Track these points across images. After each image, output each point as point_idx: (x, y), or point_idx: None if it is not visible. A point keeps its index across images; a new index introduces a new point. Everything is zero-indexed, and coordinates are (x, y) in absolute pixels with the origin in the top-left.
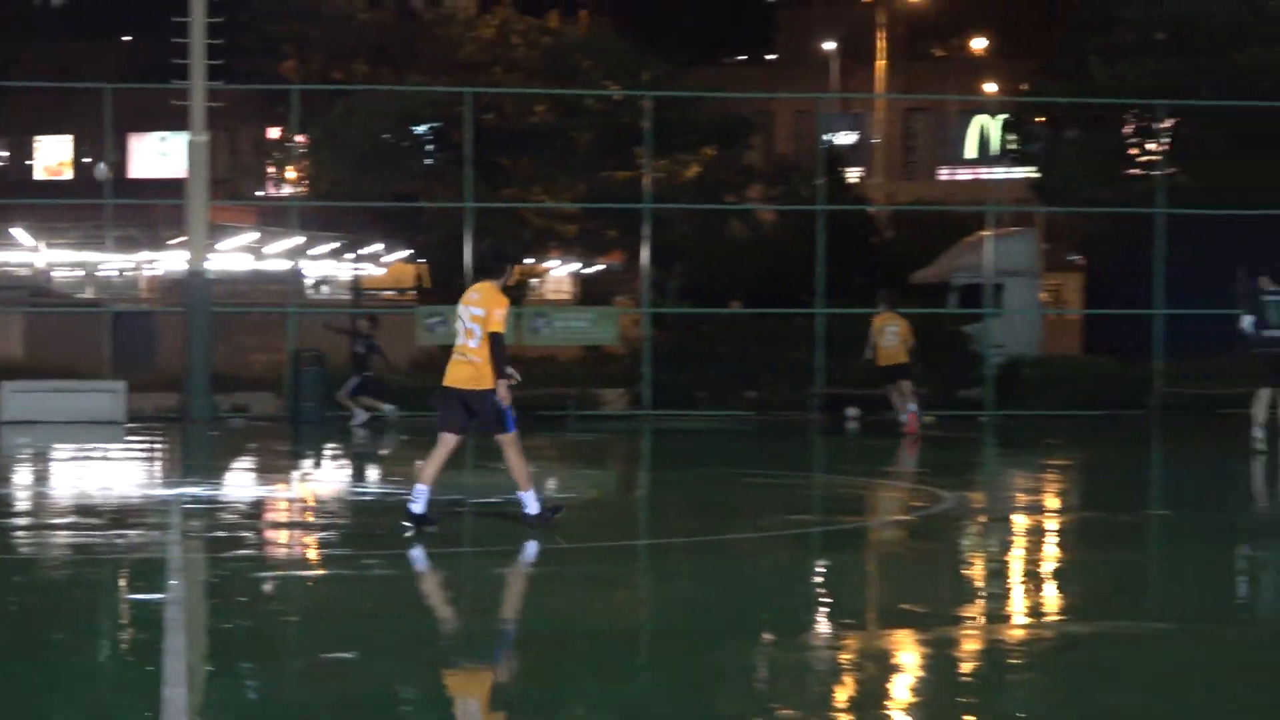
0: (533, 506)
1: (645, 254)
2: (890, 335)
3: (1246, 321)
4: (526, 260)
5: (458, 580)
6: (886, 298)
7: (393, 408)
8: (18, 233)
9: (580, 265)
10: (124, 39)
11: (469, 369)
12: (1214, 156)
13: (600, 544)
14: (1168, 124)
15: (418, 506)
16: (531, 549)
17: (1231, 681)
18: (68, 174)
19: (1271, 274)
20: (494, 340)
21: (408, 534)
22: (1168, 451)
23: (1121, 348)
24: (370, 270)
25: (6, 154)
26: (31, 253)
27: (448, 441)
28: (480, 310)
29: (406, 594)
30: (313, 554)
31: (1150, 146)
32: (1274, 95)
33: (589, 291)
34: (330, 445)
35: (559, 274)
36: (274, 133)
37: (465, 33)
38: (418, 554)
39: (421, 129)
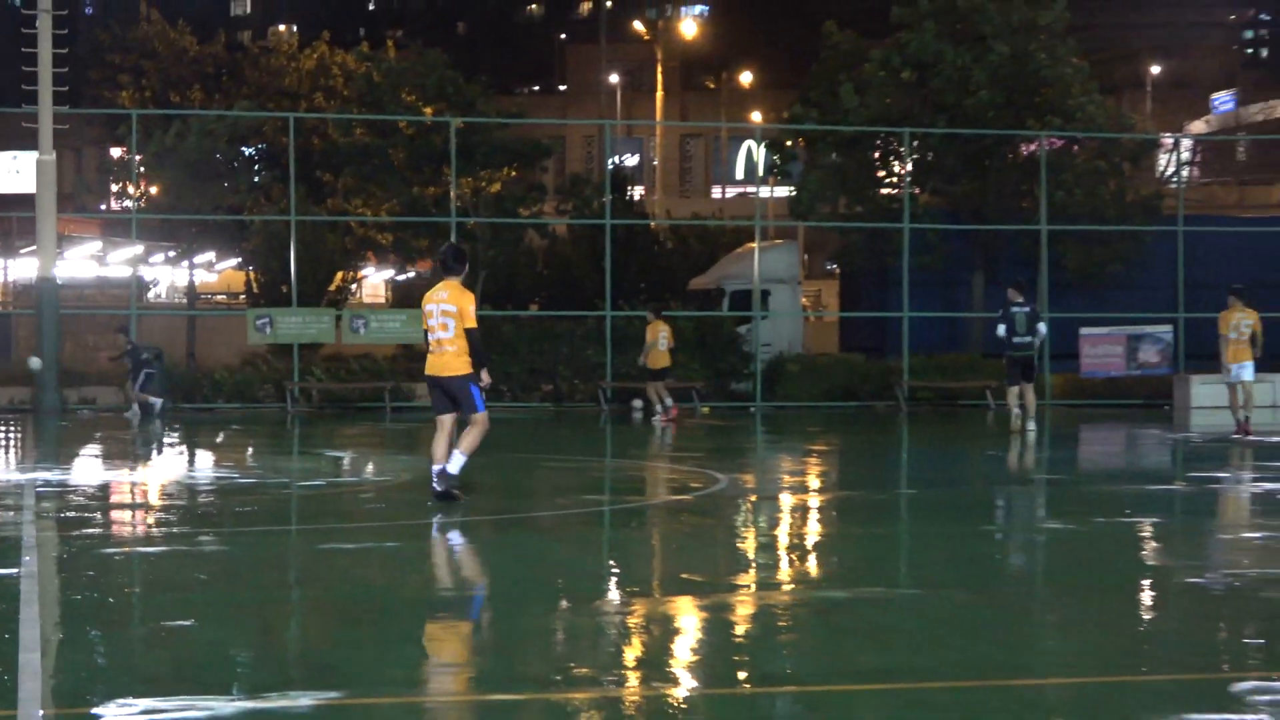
0: (443, 484)
1: None
2: (663, 340)
3: (1000, 330)
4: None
5: (284, 557)
6: (655, 309)
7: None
8: None
9: (394, 272)
10: None
11: (444, 359)
12: (949, 178)
13: (416, 522)
14: (913, 145)
15: (440, 485)
16: (348, 528)
17: (974, 638)
18: None
19: (1016, 287)
20: (470, 334)
21: (435, 505)
22: (913, 437)
23: (872, 346)
24: (204, 276)
25: None
26: None
27: (444, 423)
28: (452, 306)
29: (236, 568)
30: (154, 531)
31: (896, 168)
32: (995, 126)
33: (402, 296)
34: (170, 434)
35: (375, 280)
36: (116, 152)
37: (288, 64)
38: (251, 532)
39: (249, 150)
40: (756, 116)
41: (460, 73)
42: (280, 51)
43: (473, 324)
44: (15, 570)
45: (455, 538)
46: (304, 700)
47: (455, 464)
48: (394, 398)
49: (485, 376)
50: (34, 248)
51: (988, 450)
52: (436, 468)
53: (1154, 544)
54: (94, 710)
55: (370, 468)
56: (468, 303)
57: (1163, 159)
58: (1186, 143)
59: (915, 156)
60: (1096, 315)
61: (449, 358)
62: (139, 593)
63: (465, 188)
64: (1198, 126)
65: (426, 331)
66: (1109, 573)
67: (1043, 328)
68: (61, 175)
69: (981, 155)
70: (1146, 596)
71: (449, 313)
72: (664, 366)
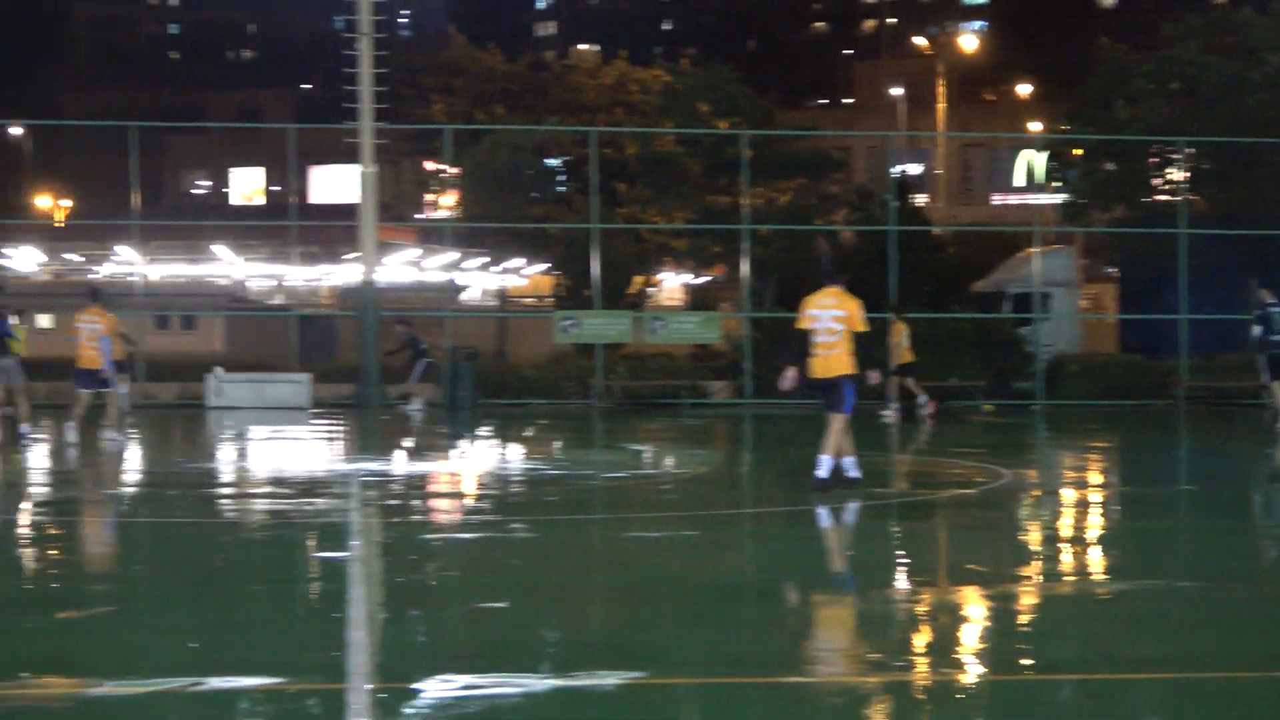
0: (824, 470)
1: (745, 267)
2: (905, 339)
3: (1256, 330)
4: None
5: (589, 544)
6: (897, 311)
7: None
8: (219, 249)
9: (690, 276)
10: (304, 86)
11: (831, 360)
12: (1224, 185)
13: (713, 512)
14: (1188, 153)
15: (822, 471)
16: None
17: (1247, 631)
18: (259, 200)
19: (1268, 288)
20: (860, 338)
21: (822, 495)
22: (1191, 435)
23: (1150, 346)
24: (513, 281)
25: (209, 183)
26: (230, 266)
27: (836, 420)
28: (843, 312)
29: (545, 553)
30: (468, 518)
31: (1172, 175)
32: (1271, 133)
33: (697, 298)
34: (482, 428)
35: (671, 284)
36: (430, 165)
37: (589, 80)
38: (559, 520)
39: (554, 162)
40: (1035, 126)
41: (750, 88)
42: (580, 69)
43: (863, 328)
44: (344, 554)
45: (748, 527)
46: (610, 679)
47: (824, 467)
48: (690, 395)
49: (875, 375)
50: (357, 254)
51: (1265, 449)
52: (824, 457)
53: None
54: (416, 685)
55: (669, 461)
56: (856, 307)
57: None
58: None
59: (1189, 165)
60: None
61: (835, 359)
62: (456, 576)
63: (758, 197)
64: None
65: (808, 334)
66: None
67: None
68: (381, 187)
69: (1255, 161)
70: None
71: (839, 318)
72: (909, 362)
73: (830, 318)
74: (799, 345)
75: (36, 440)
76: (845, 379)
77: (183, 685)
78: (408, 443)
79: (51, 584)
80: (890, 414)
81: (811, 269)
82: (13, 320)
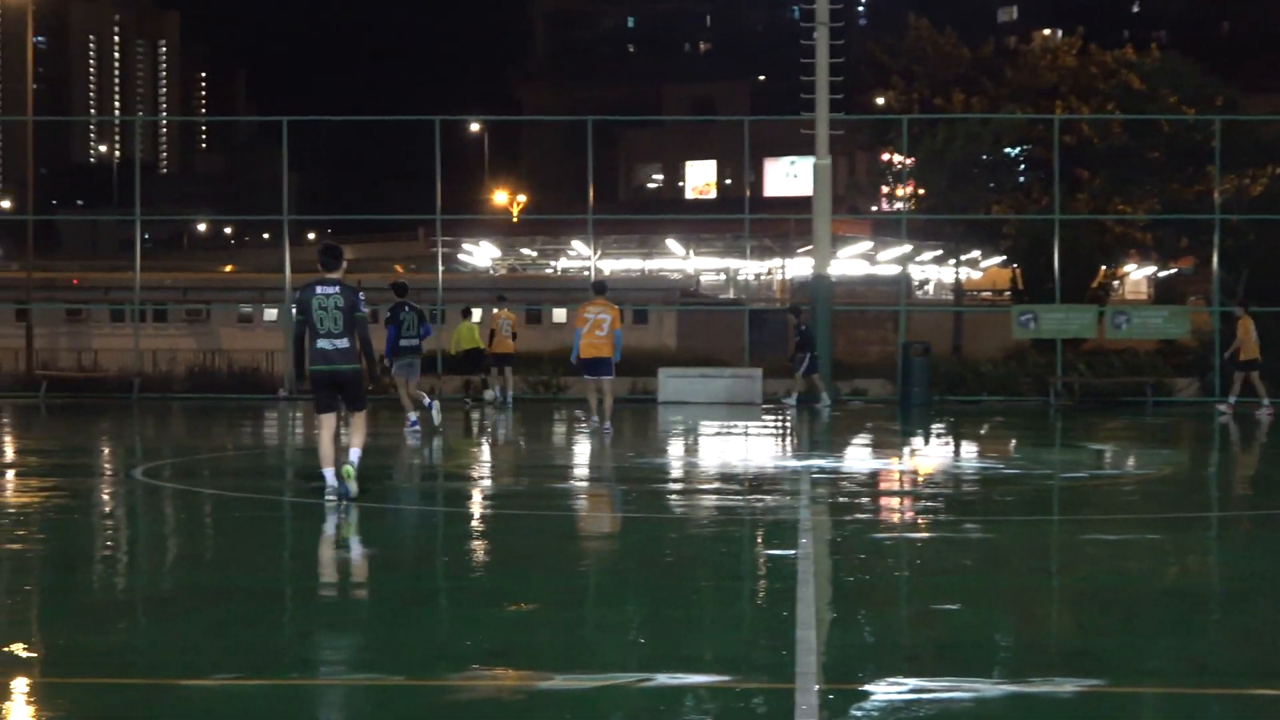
0: None
1: (1215, 259)
2: (1253, 333)
3: None
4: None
5: (1045, 546)
6: (1243, 305)
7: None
8: (671, 243)
9: (1155, 269)
10: (759, 78)
11: None
12: None
13: (1178, 515)
14: None
15: None
16: (1135, 521)
17: None
18: (711, 194)
19: None
20: None
21: None
22: None
23: None
24: (969, 274)
25: (660, 177)
26: (682, 260)
27: None
28: None
29: (999, 554)
30: (920, 518)
31: None
32: None
33: (1161, 292)
34: (935, 424)
35: (1136, 276)
36: (886, 156)
37: (1049, 61)
38: (1014, 520)
39: (1012, 150)
40: None
41: (1217, 75)
42: (1037, 51)
43: None
44: (793, 551)
45: (1215, 531)
46: (1067, 686)
47: None
48: (1155, 392)
49: None
50: (809, 247)
51: None
52: None
53: None
54: (864, 687)
55: (1131, 461)
56: None
57: None
58: None
59: None
60: None
61: None
62: (906, 576)
63: (1228, 185)
64: None
65: None
66: None
67: None
68: (836, 178)
69: None
70: None
71: None
72: (1253, 358)
73: None
74: None
75: (420, 430)
76: None
77: (631, 680)
78: (860, 439)
79: (503, 575)
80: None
81: None
82: (495, 311)
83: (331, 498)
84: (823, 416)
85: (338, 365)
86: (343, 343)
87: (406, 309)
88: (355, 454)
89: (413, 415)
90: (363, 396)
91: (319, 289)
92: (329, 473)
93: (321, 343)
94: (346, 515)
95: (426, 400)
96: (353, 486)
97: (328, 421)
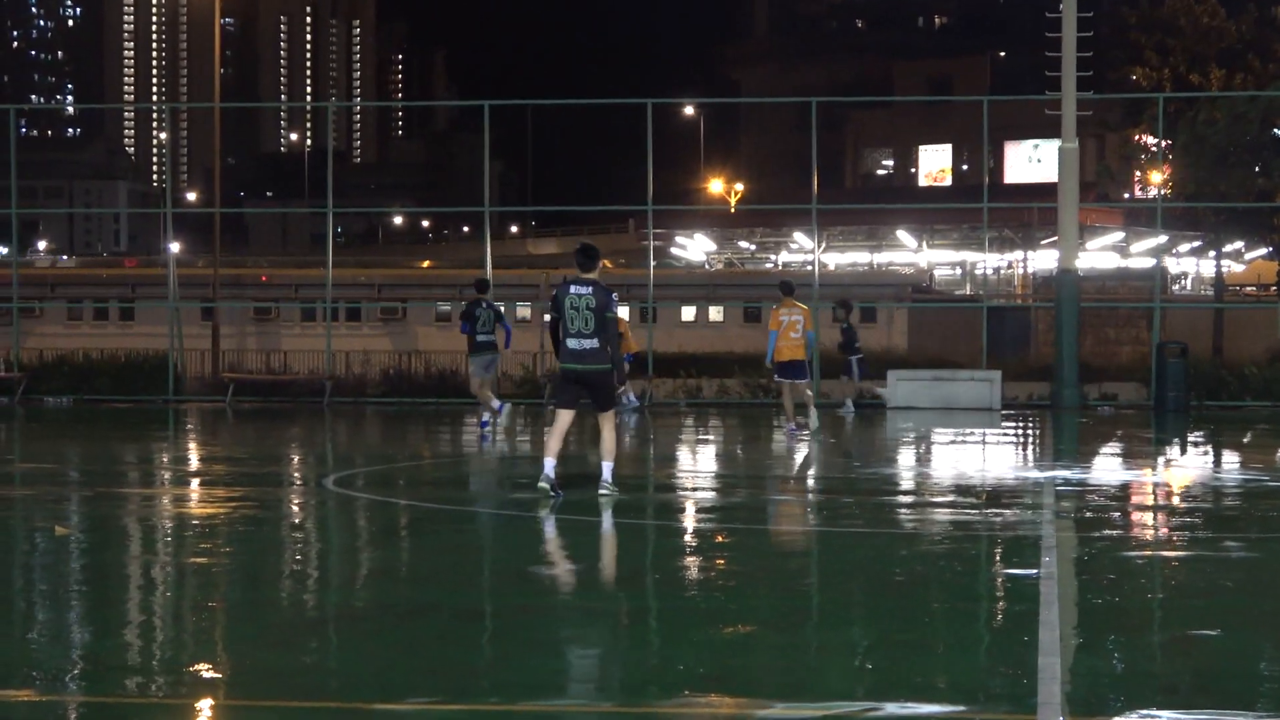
0: None
1: None
2: None
3: None
4: None
5: None
6: None
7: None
8: (902, 234)
9: None
10: (997, 54)
11: None
12: None
13: None
14: None
15: None
16: None
17: None
18: (947, 180)
19: None
20: None
21: None
22: None
23: None
24: (1231, 267)
25: (891, 163)
26: (914, 253)
27: None
28: None
29: (1264, 575)
30: (1176, 535)
31: None
32: None
33: None
34: (1193, 433)
35: None
36: (1140, 138)
37: None
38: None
39: None
40: None
41: None
42: None
43: None
44: (1035, 571)
45: None
46: None
47: None
48: None
49: None
50: (1054, 239)
51: None
52: None
53: None
54: (1114, 719)
55: None
56: None
57: None
58: None
59: None
60: None
61: None
62: (1160, 598)
63: None
64: None
65: None
66: None
67: None
68: (1083, 163)
69: None
70: None
71: None
72: None
73: None
74: None
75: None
76: None
77: (858, 710)
78: (1109, 448)
79: (719, 594)
80: None
81: None
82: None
83: (543, 484)
84: (846, 423)
85: (588, 365)
86: (592, 343)
87: (484, 305)
88: (608, 469)
89: (486, 416)
90: (612, 397)
91: (573, 288)
92: (549, 463)
93: (571, 341)
94: (550, 522)
95: (496, 403)
96: (612, 491)
97: (565, 417)
